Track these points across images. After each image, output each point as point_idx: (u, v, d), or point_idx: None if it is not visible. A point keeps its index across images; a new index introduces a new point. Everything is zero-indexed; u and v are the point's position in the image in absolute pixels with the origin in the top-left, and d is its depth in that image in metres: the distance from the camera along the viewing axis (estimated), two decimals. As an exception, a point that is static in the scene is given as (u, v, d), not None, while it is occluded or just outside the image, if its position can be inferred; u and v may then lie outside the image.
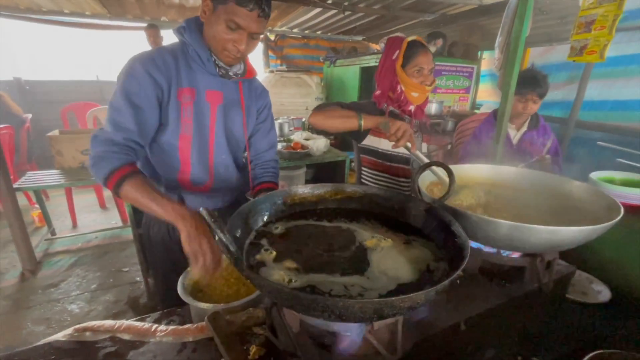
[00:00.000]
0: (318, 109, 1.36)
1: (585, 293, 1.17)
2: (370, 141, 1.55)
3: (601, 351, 0.77)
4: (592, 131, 3.22)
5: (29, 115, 4.23)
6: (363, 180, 1.65)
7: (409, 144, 1.11)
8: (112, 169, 0.89)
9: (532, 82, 1.80)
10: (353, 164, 3.52)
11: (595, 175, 1.46)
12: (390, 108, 1.48)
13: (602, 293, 1.15)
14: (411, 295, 0.47)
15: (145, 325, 0.85)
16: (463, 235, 0.66)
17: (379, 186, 1.55)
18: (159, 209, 0.85)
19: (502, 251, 0.92)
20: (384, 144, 1.53)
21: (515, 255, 0.94)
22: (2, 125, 3.33)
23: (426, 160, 1.03)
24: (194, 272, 0.81)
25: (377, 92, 1.50)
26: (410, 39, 1.41)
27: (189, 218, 0.81)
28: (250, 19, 0.93)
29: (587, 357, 0.76)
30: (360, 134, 1.54)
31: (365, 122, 1.22)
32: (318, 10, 4.06)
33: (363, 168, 1.65)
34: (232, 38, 0.96)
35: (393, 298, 0.46)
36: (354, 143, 1.65)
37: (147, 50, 1.03)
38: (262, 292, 0.61)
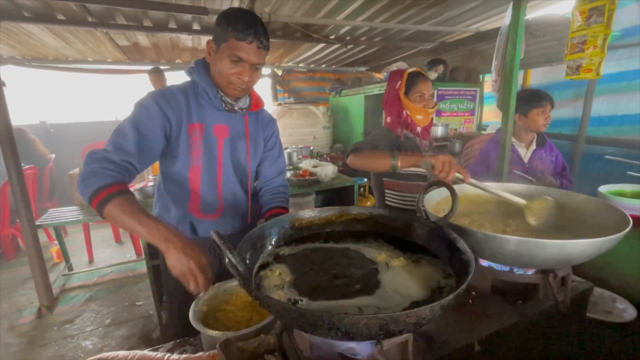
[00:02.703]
0: (354, 151, 1.40)
1: (610, 312, 1.12)
2: None
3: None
4: (604, 146, 3.19)
5: (53, 156, 4.47)
6: (387, 203, 1.71)
7: (459, 175, 1.01)
8: (102, 186, 0.86)
9: (542, 94, 1.90)
10: (362, 189, 3.54)
11: (604, 188, 1.43)
12: (405, 132, 1.57)
13: (627, 312, 1.10)
14: (416, 310, 0.48)
15: (158, 354, 0.86)
16: (468, 252, 0.67)
17: (404, 205, 1.62)
18: (143, 230, 0.81)
19: (514, 269, 0.91)
20: None
21: (529, 272, 0.92)
22: (27, 166, 3.52)
23: (487, 187, 1.02)
24: (190, 290, 0.80)
25: (388, 120, 1.62)
26: (410, 70, 1.53)
27: (175, 241, 0.79)
28: (250, 51, 1.01)
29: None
30: None
31: (402, 162, 1.17)
32: (322, 45, 4.28)
33: (386, 191, 1.70)
34: (236, 71, 1.04)
35: (398, 313, 0.47)
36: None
37: (162, 88, 1.12)
38: (269, 311, 0.62)
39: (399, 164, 1.18)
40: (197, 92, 1.13)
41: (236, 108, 1.17)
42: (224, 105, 1.14)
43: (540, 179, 1.82)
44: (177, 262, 0.77)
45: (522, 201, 1.03)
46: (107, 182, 0.87)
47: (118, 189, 0.87)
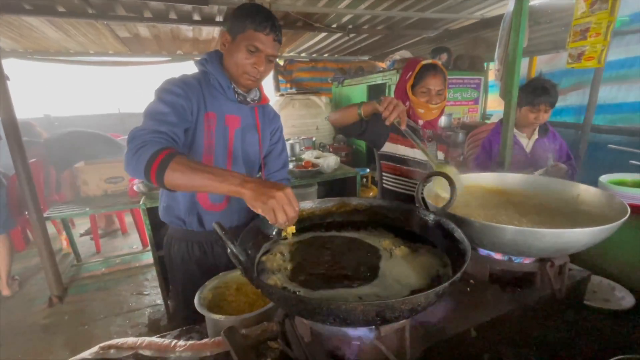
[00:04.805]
0: (335, 109, 1.48)
1: (608, 300, 1.13)
2: (388, 147, 1.66)
3: (622, 356, 0.75)
4: (609, 135, 3.15)
5: (58, 149, 4.50)
6: (384, 185, 1.73)
7: (398, 119, 1.16)
8: (156, 151, 0.81)
9: (543, 92, 1.81)
10: (364, 180, 3.55)
11: (605, 178, 1.43)
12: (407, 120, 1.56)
13: (625, 299, 1.11)
14: (411, 297, 0.49)
15: (166, 341, 0.89)
16: (465, 241, 0.68)
17: (399, 189, 1.66)
18: (217, 180, 0.76)
19: (512, 257, 0.92)
20: (400, 150, 1.63)
21: (527, 261, 0.93)
22: (33, 160, 3.55)
23: (419, 142, 1.13)
24: (280, 224, 0.73)
25: None
26: (425, 62, 1.51)
27: (252, 180, 0.75)
28: (267, 42, 1.06)
29: (607, 363, 0.74)
30: (379, 141, 1.64)
31: (364, 108, 1.33)
32: (324, 34, 4.22)
33: (384, 173, 1.72)
34: (252, 61, 1.08)
35: (393, 300, 0.48)
36: (375, 151, 1.74)
37: (179, 76, 1.12)
38: (271, 299, 0.64)
39: (362, 110, 1.34)
40: (209, 83, 1.15)
41: (248, 99, 1.20)
42: (236, 96, 1.17)
43: (552, 168, 1.77)
44: (261, 196, 0.72)
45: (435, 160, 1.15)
46: (161, 146, 0.83)
47: (173, 151, 0.83)
